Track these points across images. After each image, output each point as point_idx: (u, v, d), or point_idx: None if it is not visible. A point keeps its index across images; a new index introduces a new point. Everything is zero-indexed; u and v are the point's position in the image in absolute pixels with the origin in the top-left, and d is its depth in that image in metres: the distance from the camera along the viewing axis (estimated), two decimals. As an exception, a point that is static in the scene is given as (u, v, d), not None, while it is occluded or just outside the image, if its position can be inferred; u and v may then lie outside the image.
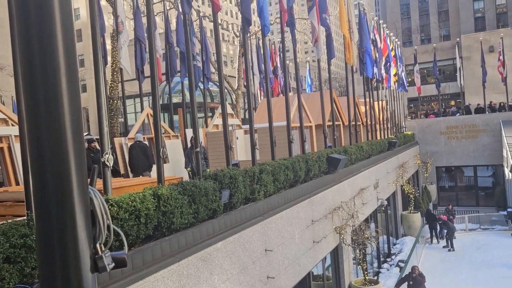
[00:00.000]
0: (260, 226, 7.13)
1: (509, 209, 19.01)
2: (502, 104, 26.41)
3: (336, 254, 10.76)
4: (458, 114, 26.91)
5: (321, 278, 10.46)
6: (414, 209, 20.93)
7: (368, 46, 16.92)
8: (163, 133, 12.36)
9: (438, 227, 18.85)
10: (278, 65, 20.90)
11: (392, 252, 16.76)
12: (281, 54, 12.60)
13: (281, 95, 20.59)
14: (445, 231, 18.43)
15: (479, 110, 26.79)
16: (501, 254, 16.34)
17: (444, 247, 18.19)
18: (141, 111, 14.15)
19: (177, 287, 4.93)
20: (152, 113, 7.08)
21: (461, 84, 27.15)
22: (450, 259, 16.64)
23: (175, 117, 22.09)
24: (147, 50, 11.66)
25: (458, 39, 33.39)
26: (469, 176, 26.92)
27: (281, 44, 12.51)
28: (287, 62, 18.44)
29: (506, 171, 22.37)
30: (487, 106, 26.81)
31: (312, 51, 22.62)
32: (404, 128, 27.25)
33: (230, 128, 10.93)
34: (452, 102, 38.07)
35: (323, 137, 12.32)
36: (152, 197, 4.90)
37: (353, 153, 13.21)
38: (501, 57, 25.73)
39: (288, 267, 7.90)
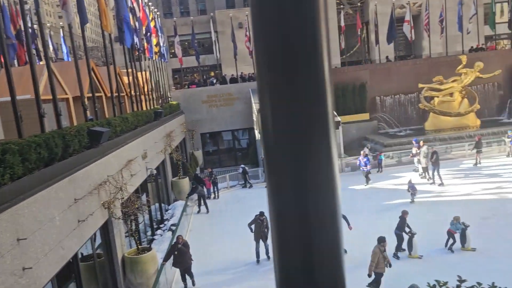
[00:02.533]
0: (9, 214, 6.21)
1: (242, 166, 22.16)
2: (250, 74, 30.24)
3: (106, 229, 10.44)
4: (216, 83, 29.51)
5: (92, 258, 10.01)
6: (183, 174, 22.21)
7: (126, 15, 16.45)
8: None
9: (205, 189, 20.55)
10: (22, 28, 18.07)
11: (165, 218, 17.45)
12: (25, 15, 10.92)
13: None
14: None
15: (233, 80, 29.99)
16: (255, 203, 19.13)
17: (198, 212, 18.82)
18: None
19: None
20: None
21: (217, 57, 29.70)
22: (215, 214, 18.51)
23: None
24: None
25: (212, 14, 35.97)
26: (228, 140, 30.19)
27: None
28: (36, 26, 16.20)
29: (256, 132, 26.04)
30: (239, 76, 30.21)
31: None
32: (169, 98, 28.17)
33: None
34: (212, 73, 41.39)
35: (82, 110, 11.50)
36: None
37: (117, 125, 12.86)
38: (248, 33, 29.21)
39: (49, 253, 7.22)
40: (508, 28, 31.64)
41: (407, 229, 12.50)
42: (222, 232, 16.08)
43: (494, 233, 13.67)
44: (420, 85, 28.52)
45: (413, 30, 31.39)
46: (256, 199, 19.99)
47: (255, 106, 25.94)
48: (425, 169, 20.29)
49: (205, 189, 20.32)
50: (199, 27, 37.66)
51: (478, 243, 12.81)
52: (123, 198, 10.96)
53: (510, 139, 22.69)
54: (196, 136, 28.39)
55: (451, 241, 12.70)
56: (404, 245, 12.78)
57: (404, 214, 12.59)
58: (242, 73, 30.51)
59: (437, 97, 28.45)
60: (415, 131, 29.08)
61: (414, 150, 21.60)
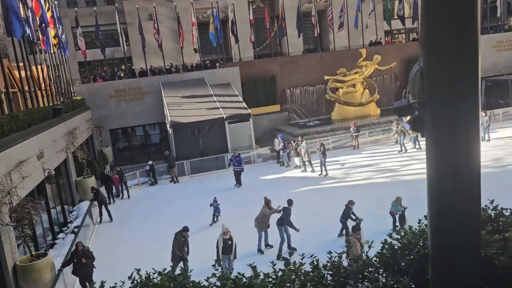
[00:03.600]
0: None
1: (149, 163, 21.81)
2: (160, 67, 29.55)
3: (-9, 238, 9.63)
4: (124, 76, 28.38)
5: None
6: (91, 173, 21.17)
7: (14, 4, 15.14)
8: None
9: (114, 188, 19.78)
10: None
11: (68, 220, 16.52)
12: None
13: None
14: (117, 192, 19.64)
15: (143, 73, 29.08)
16: (166, 199, 18.93)
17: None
18: None
19: None
20: None
21: (124, 49, 28.53)
22: (124, 212, 17.95)
23: None
24: None
25: (117, 4, 34.40)
26: (140, 135, 29.30)
27: None
28: None
29: (168, 127, 25.55)
30: (149, 70, 29.36)
31: None
32: (73, 93, 26.55)
33: None
34: (123, 66, 39.69)
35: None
36: None
37: (4, 124, 11.87)
38: (156, 25, 28.44)
39: None
40: (402, 24, 34.43)
41: (353, 217, 12.65)
42: (130, 230, 15.67)
43: (386, 212, 14.90)
44: (326, 77, 30.05)
45: (318, 24, 32.75)
46: (167, 195, 19.78)
47: (166, 100, 25.47)
48: (304, 162, 21.02)
49: (113, 187, 19.60)
50: (106, 18, 35.77)
51: (372, 223, 13.89)
52: (11, 203, 10.18)
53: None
54: (104, 132, 27.17)
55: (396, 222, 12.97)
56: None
57: (349, 204, 12.83)
58: (152, 66, 29.69)
59: (341, 88, 30.21)
60: (323, 121, 30.66)
61: (278, 145, 22.77)
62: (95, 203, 17.18)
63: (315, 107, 32.20)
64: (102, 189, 18.71)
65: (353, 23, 33.15)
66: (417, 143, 22.67)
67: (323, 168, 20.17)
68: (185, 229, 11.48)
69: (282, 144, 22.77)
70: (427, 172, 2.27)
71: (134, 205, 18.93)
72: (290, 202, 12.79)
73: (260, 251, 12.79)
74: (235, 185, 19.70)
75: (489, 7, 37.06)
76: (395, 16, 36.51)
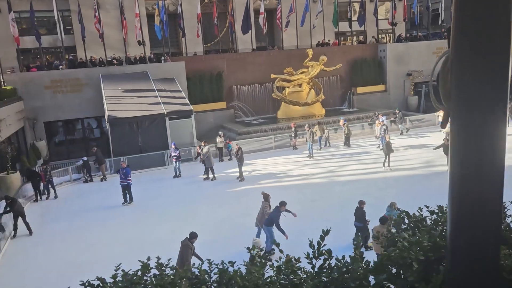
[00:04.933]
0: None
1: (83, 158, 20.91)
2: (101, 59, 28.33)
3: None
4: (61, 67, 26.93)
5: None
6: (21, 168, 19.92)
7: None
8: None
9: (42, 184, 18.65)
10: None
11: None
12: None
13: None
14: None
15: (82, 64, 27.75)
16: (96, 197, 18.12)
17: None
18: None
19: None
20: None
21: (62, 38, 27.05)
22: (52, 210, 17.00)
23: None
24: None
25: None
26: (78, 129, 27.98)
27: None
28: None
29: (106, 121, 24.52)
30: (88, 60, 28.07)
31: None
32: (3, 83, 24.88)
33: None
34: (67, 56, 37.74)
35: None
36: None
37: None
38: (97, 13, 27.21)
39: None
40: (349, 26, 35.11)
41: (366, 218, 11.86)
42: (55, 230, 14.84)
43: (317, 214, 15.00)
44: (273, 76, 30.08)
45: (266, 22, 32.68)
46: (99, 193, 18.96)
47: (105, 94, 24.43)
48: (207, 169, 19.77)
49: (41, 185, 18.45)
50: (48, 4, 33.83)
51: (301, 224, 13.93)
52: None
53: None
54: (38, 125, 25.69)
55: None
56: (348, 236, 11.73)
57: (361, 205, 11.97)
58: (92, 57, 28.40)
59: (288, 87, 30.35)
60: (269, 119, 30.69)
61: (198, 149, 21.50)
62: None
63: (262, 105, 32.17)
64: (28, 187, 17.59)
65: (306, 23, 33.36)
66: (327, 143, 24.02)
67: (240, 173, 19.34)
68: (194, 235, 10.22)
69: (224, 142, 22.59)
70: (451, 171, 2.22)
71: (61, 204, 17.94)
72: (282, 203, 12.06)
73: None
74: (122, 203, 16.77)
75: (430, 14, 38.59)
76: (354, 18, 37.16)
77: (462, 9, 2.09)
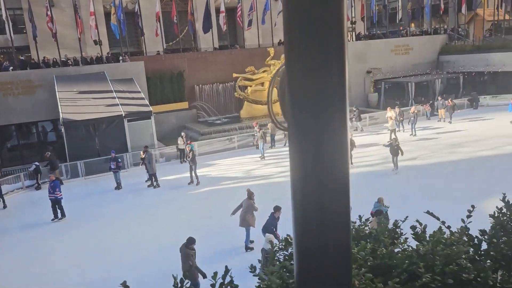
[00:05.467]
0: None
1: (35, 163, 20.01)
2: (55, 59, 27.23)
3: None
4: (11, 68, 25.65)
5: None
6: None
7: None
8: None
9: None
10: None
11: None
12: None
13: None
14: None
15: (34, 65, 26.56)
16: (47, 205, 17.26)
17: None
18: None
19: None
20: None
21: (11, 37, 25.70)
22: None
23: None
24: None
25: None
26: (32, 133, 26.78)
27: None
28: None
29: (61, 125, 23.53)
30: (41, 61, 26.91)
31: None
32: None
33: None
34: (20, 56, 36.06)
35: None
36: None
37: None
38: (49, 12, 26.10)
39: None
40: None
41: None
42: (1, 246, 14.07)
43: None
44: (235, 75, 29.84)
45: (226, 21, 32.39)
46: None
47: (59, 95, 23.46)
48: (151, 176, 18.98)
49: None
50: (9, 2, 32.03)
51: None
52: None
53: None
54: (-12, 129, 24.40)
55: None
56: None
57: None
58: (45, 58, 27.23)
59: (250, 86, 30.21)
60: (232, 119, 30.47)
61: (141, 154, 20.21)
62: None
63: (225, 105, 31.89)
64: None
65: (262, 21, 33.30)
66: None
67: (194, 176, 18.84)
68: (191, 241, 9.89)
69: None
70: (291, 181, 1.87)
71: (11, 214, 17.02)
72: (277, 208, 11.74)
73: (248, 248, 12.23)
74: (52, 219, 15.44)
75: (389, 13, 39.47)
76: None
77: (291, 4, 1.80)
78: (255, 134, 24.17)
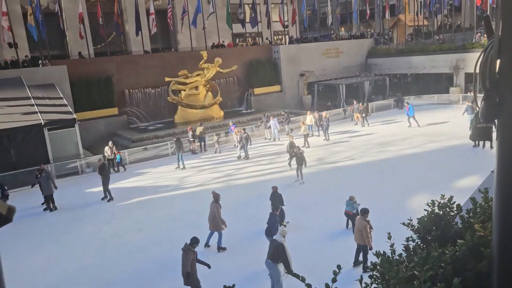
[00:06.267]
0: None
1: None
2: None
3: None
4: None
5: None
6: None
7: None
8: None
9: None
10: None
11: None
12: None
13: None
14: None
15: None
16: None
17: None
18: None
19: None
20: None
21: None
22: None
23: None
24: None
25: None
26: None
27: None
28: None
29: None
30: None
31: None
32: None
33: None
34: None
35: None
36: None
37: None
38: (3, 8, 23.57)
39: None
40: (242, 27, 35.25)
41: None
42: None
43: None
44: (167, 79, 28.89)
45: (155, 23, 31.28)
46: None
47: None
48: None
49: None
50: None
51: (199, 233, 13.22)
52: None
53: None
54: None
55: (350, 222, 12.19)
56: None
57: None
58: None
59: (184, 90, 29.41)
60: (166, 124, 29.46)
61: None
62: None
63: (157, 110, 30.76)
64: None
65: (193, 23, 32.63)
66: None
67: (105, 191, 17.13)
68: (195, 240, 9.38)
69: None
70: (497, 168, 2.02)
71: None
72: (276, 207, 11.59)
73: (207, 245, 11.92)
74: None
75: (320, 18, 40.49)
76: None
77: None
78: (190, 139, 23.50)
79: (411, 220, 3.60)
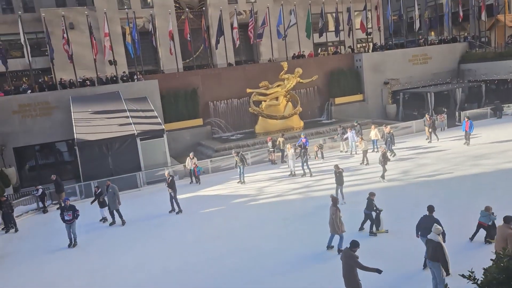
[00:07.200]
0: None
1: (40, 187, 20.06)
2: (72, 80, 27.75)
3: None
4: (30, 91, 26.24)
5: None
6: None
7: None
8: None
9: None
10: None
11: None
12: None
13: None
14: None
15: (52, 87, 27.12)
16: (58, 228, 17.19)
17: None
18: None
19: None
20: None
21: (29, 60, 26.25)
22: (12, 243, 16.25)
23: None
24: None
25: (19, 12, 31.75)
26: (51, 154, 27.24)
27: None
28: None
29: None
30: (58, 83, 27.44)
31: None
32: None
33: None
34: (46, 78, 36.98)
35: None
36: None
37: None
38: (65, 35, 26.68)
39: None
40: (319, 36, 35.06)
41: (375, 208, 12.98)
42: (10, 268, 14.10)
43: (289, 233, 14.44)
44: (249, 90, 29.71)
45: (239, 36, 32.35)
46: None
47: (74, 116, 23.80)
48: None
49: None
50: (29, 26, 32.98)
51: (276, 242, 13.36)
52: None
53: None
54: (7, 151, 24.89)
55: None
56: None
57: (371, 196, 13.02)
58: (61, 79, 27.78)
59: (264, 101, 29.98)
60: (247, 134, 30.24)
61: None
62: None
63: (239, 121, 31.72)
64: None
65: (277, 35, 33.22)
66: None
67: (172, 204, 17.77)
68: (355, 244, 9.03)
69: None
70: None
71: (23, 238, 17.10)
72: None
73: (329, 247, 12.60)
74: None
75: (407, 23, 38.74)
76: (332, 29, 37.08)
77: None
78: (270, 149, 23.84)
79: None
